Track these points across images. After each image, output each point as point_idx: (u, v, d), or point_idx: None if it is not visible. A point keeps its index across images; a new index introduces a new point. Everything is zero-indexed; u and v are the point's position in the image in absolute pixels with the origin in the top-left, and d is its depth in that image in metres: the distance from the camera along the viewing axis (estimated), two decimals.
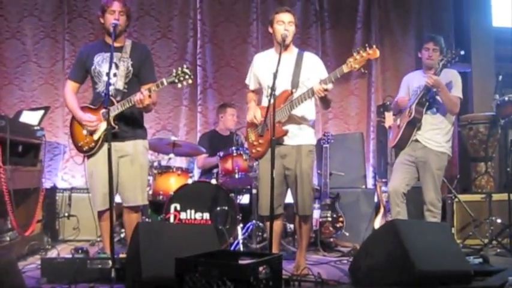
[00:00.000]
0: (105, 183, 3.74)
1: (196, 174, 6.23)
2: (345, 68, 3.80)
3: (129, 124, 4.13)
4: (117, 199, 4.21)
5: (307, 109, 4.17)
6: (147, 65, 4.22)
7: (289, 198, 4.35)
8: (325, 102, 4.10)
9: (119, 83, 4.04)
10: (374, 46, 3.76)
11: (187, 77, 3.85)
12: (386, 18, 7.51)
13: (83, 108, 4.13)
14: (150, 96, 3.90)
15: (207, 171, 5.84)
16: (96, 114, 4.07)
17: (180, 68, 3.87)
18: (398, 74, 7.16)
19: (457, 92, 4.70)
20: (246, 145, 5.02)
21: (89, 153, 4.09)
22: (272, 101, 3.64)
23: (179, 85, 3.88)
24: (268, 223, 4.23)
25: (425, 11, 7.58)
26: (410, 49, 7.39)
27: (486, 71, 7.13)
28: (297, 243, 4.69)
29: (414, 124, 4.71)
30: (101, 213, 4.12)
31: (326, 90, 3.82)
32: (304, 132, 4.19)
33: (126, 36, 4.26)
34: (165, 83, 3.88)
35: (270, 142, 3.63)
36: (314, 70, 4.16)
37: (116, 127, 3.97)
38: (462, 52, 4.52)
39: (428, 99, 4.68)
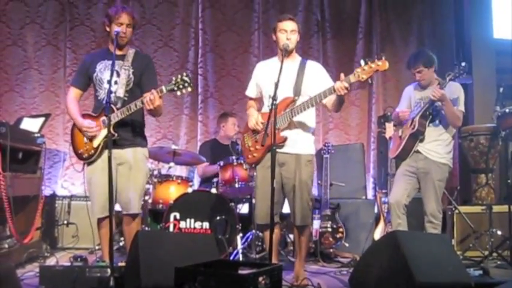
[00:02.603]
0: (104, 190, 3.73)
1: (196, 183, 6.22)
2: (352, 78, 3.77)
3: (129, 132, 4.12)
4: (117, 207, 4.19)
5: (308, 116, 4.16)
6: (148, 72, 4.19)
7: (288, 208, 4.33)
8: (340, 102, 4.02)
9: (119, 90, 4.04)
10: (383, 58, 3.74)
11: (186, 84, 3.81)
12: (388, 29, 7.51)
13: (84, 116, 4.13)
14: (160, 96, 3.86)
15: (207, 180, 5.82)
16: (96, 121, 4.07)
17: (179, 76, 3.82)
18: (399, 84, 7.15)
19: (460, 106, 4.71)
20: None
21: (88, 160, 4.09)
22: (273, 110, 3.63)
23: (178, 93, 3.84)
24: (265, 232, 4.22)
25: (427, 22, 7.57)
26: None
27: (487, 83, 7.12)
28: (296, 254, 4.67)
29: (417, 136, 4.71)
30: (99, 221, 4.11)
31: (347, 88, 3.77)
32: (304, 140, 4.16)
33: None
34: (164, 91, 3.84)
35: (270, 149, 3.61)
36: (317, 78, 4.14)
37: (116, 134, 3.95)
38: (463, 64, 4.54)
39: (432, 112, 4.68)
